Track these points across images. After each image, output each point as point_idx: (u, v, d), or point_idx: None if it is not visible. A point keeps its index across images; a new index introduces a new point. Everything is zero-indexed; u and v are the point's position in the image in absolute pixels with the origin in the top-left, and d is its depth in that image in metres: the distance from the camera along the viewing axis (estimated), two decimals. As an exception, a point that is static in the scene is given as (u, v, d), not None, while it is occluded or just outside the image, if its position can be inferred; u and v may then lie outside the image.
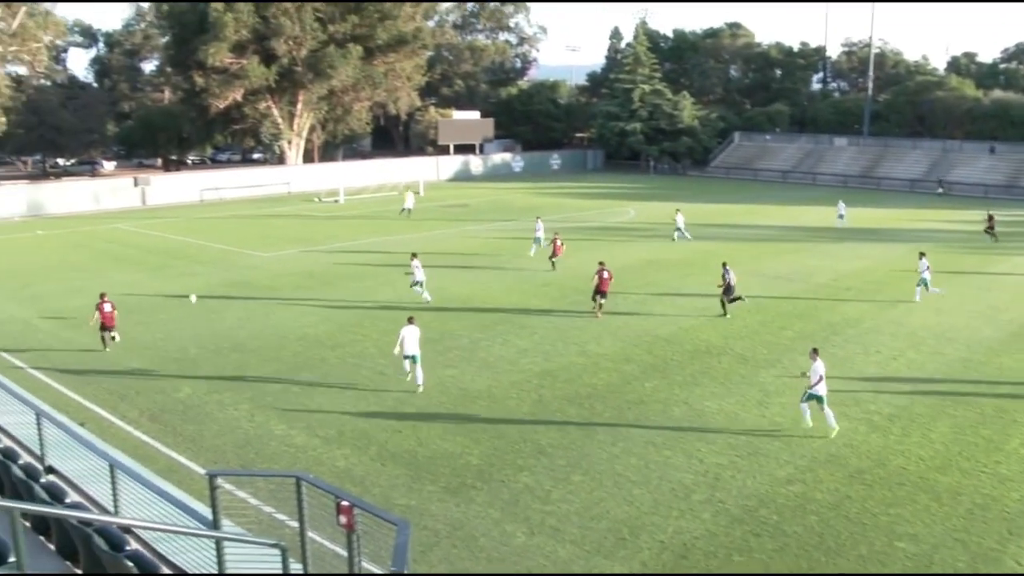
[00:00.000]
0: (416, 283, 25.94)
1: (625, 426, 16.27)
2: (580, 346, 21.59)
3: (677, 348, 21.38)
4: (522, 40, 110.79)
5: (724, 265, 25.01)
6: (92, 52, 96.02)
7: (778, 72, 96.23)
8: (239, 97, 64.25)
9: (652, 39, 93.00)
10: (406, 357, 18.28)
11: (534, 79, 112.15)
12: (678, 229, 38.77)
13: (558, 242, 31.91)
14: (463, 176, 77.84)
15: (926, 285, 25.94)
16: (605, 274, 24.63)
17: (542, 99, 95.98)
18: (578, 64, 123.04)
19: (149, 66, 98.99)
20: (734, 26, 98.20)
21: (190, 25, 63.70)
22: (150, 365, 19.98)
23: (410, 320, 18.58)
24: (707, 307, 25.70)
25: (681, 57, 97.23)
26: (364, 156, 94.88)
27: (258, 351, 21.03)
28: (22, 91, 72.24)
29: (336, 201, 57.03)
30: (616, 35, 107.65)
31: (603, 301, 24.53)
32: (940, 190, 63.95)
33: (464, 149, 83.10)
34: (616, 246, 37.05)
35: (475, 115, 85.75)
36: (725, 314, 24.23)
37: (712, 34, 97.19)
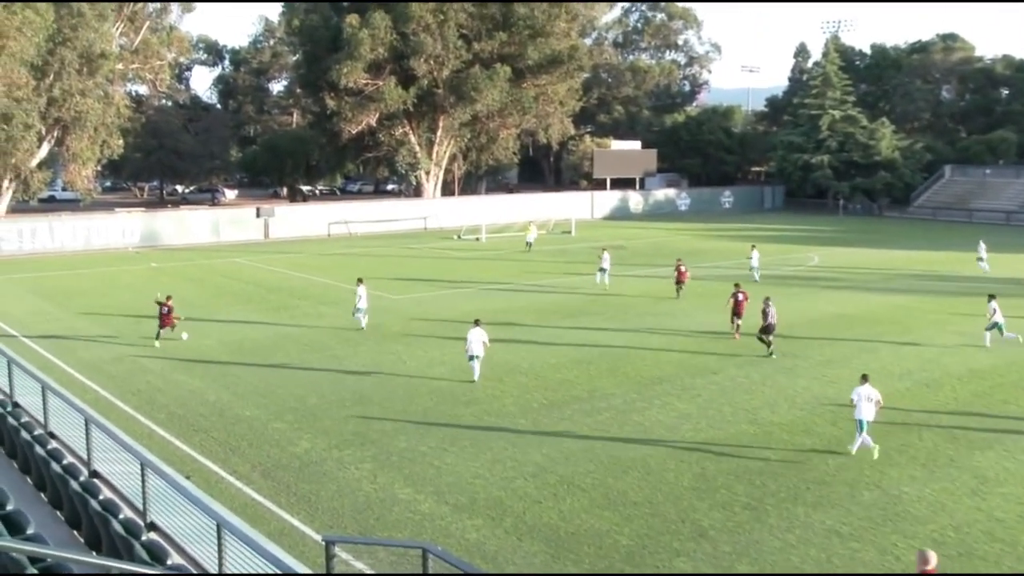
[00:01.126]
0: (358, 310, 29.18)
1: (803, 509, 15.56)
2: (750, 413, 20.94)
3: (872, 422, 20.31)
4: (692, 60, 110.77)
5: (767, 299, 27.10)
6: (217, 71, 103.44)
7: (1004, 92, 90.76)
8: (373, 122, 67.58)
9: (845, 56, 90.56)
10: (471, 357, 22.96)
11: (704, 104, 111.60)
12: (752, 268, 40.52)
13: (682, 268, 35.95)
14: (620, 214, 78.11)
15: (1000, 329, 27.58)
16: (740, 296, 28.68)
17: (713, 127, 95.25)
18: (756, 87, 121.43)
19: (277, 87, 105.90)
20: (948, 38, 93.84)
21: (322, 42, 67.62)
22: (265, 415, 20.90)
23: (476, 322, 23.58)
24: (907, 371, 24.35)
25: (880, 77, 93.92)
26: (510, 189, 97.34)
27: (384, 404, 21.71)
28: (142, 112, 77.72)
29: (477, 239, 58.58)
30: (802, 52, 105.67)
31: (740, 323, 28.50)
32: None
33: (622, 184, 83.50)
34: (795, 298, 35.92)
35: (636, 145, 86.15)
36: (770, 353, 26.07)
37: (919, 48, 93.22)
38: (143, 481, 10.94)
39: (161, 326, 27.51)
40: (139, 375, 24.30)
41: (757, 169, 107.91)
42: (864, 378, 18.78)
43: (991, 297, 28.38)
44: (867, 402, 18.26)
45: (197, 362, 25.59)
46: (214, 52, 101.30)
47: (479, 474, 17.26)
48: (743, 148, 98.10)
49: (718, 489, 16.53)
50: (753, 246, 42.10)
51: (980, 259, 44.20)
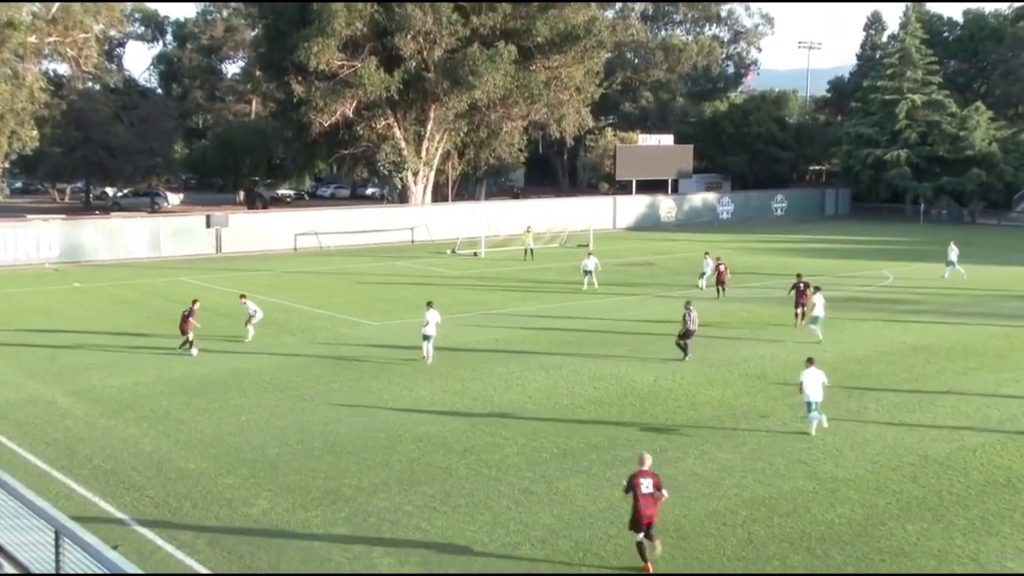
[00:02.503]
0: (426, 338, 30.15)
1: (878, 588, 15.46)
2: (809, 465, 20.85)
3: (959, 476, 20.20)
4: (737, 35, 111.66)
5: (688, 304, 30.94)
6: (157, 48, 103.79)
7: None
8: (350, 112, 67.96)
9: (930, 27, 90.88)
10: (425, 337, 28.94)
11: (752, 90, 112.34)
12: (703, 274, 44.94)
13: (721, 267, 41.84)
14: (649, 223, 78.39)
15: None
16: (801, 286, 35.09)
17: (763, 117, 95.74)
18: (816, 67, 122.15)
19: (232, 68, 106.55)
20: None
21: (287, 14, 67.89)
22: (213, 468, 20.84)
23: (430, 304, 29.78)
24: (1009, 417, 24.25)
25: (975, 52, 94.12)
26: (515, 194, 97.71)
27: (361, 454, 21.68)
28: (62, 97, 77.43)
29: (476, 254, 58.83)
30: (875, 23, 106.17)
31: (803, 311, 34.25)
32: None
33: (651, 187, 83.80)
34: (864, 325, 35.91)
35: (668, 140, 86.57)
36: (684, 357, 29.68)
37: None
38: (57, 554, 10.82)
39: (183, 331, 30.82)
40: (55, 421, 24.26)
41: (817, 168, 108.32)
42: (809, 361, 23.49)
43: (816, 289, 34.25)
44: (815, 384, 22.58)
45: (129, 404, 25.58)
46: (153, 24, 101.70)
47: (476, 539, 17.18)
48: (799, 143, 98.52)
49: (769, 560, 16.42)
50: (706, 253, 46.98)
51: (950, 263, 48.13)
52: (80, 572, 10.51)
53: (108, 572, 9.93)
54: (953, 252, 48.42)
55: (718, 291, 41.97)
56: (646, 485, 15.99)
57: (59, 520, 10.88)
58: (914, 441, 22.45)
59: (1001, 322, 36.54)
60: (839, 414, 24.57)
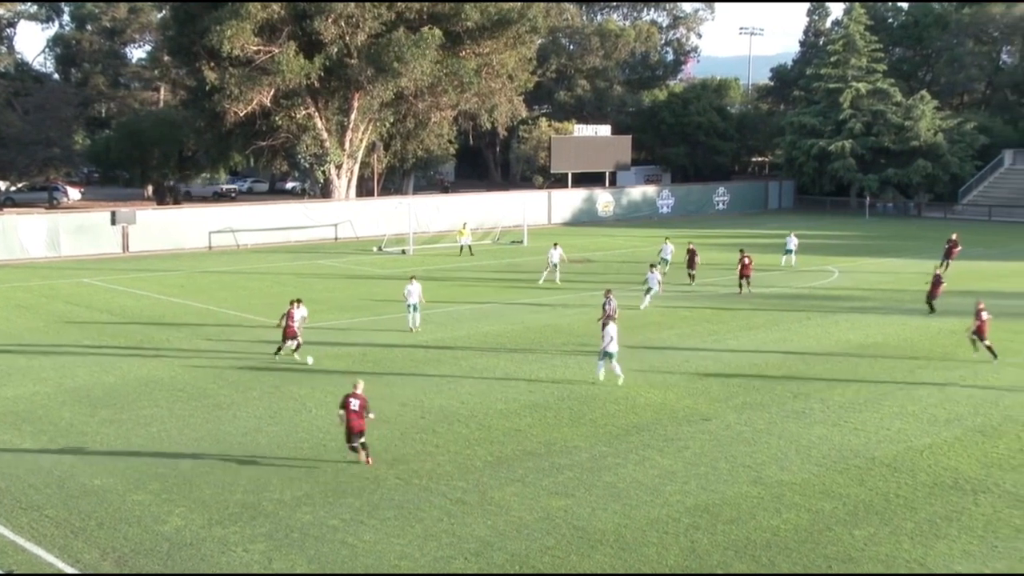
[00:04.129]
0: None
1: (825, 596, 15.76)
2: (753, 470, 21.15)
3: (906, 479, 20.65)
4: (676, 21, 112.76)
5: (608, 291, 33.20)
6: (52, 28, 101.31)
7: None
8: (267, 101, 67.30)
9: (875, 13, 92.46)
10: (410, 306, 33.85)
11: (692, 78, 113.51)
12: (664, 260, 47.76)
13: (747, 260, 42.44)
14: (586, 218, 78.86)
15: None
16: (747, 260, 41.38)
17: (704, 107, 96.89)
18: (759, 54, 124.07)
19: (138, 53, 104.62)
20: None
21: (198, -4, 66.87)
22: (121, 484, 20.50)
23: (412, 279, 34.87)
24: (956, 416, 24.84)
25: (920, 39, 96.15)
26: (445, 188, 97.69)
27: (282, 465, 21.50)
28: None
29: (403, 252, 58.67)
30: (818, 9, 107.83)
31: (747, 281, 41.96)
32: None
33: (588, 180, 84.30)
34: (808, 323, 36.51)
35: (605, 131, 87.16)
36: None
37: (973, 1, 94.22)
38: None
39: (286, 337, 30.05)
40: (-49, 434, 23.73)
41: (760, 160, 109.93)
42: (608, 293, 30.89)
43: (652, 267, 39.40)
44: (613, 340, 27.33)
45: (27, 417, 25.05)
46: (48, 3, 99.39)
47: (406, 554, 17.17)
48: (742, 133, 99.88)
49: (713, 569, 16.63)
50: (666, 239, 50.13)
51: (789, 250, 51.70)
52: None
53: None
54: (792, 242, 52.09)
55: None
56: (355, 404, 20.91)
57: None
58: (860, 443, 22.90)
59: (949, 319, 37.31)
60: (784, 415, 25.00)
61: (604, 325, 29.33)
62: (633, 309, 37.92)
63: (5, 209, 71.21)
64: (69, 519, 18.66)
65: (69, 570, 16.58)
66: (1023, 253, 58.67)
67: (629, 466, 21.36)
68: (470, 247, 58.04)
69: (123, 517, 18.78)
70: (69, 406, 25.86)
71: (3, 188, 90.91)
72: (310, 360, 29.98)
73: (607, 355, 27.58)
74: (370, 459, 21.29)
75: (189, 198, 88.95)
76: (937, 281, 38.33)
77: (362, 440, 21.22)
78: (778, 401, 26.33)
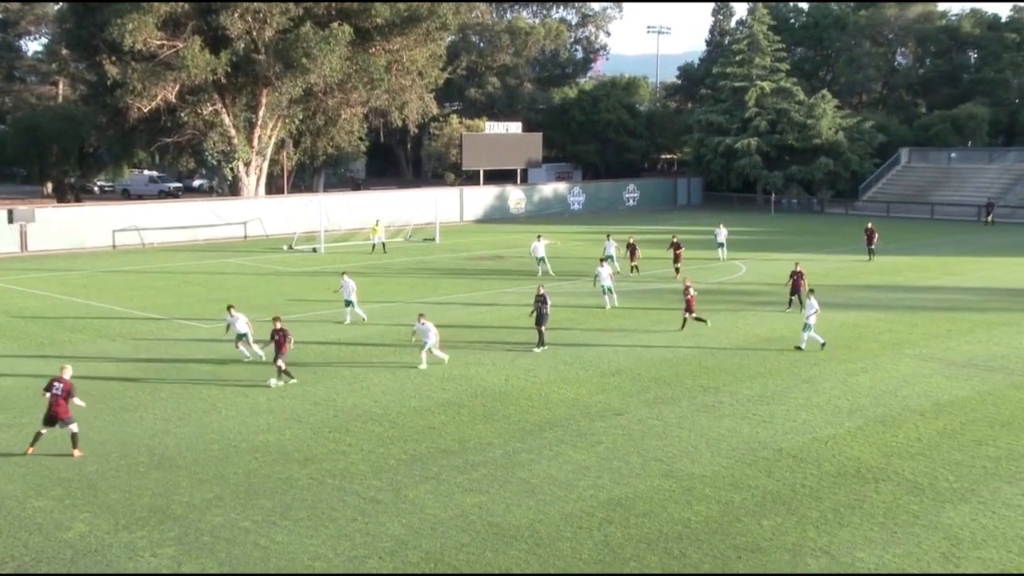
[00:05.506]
0: (241, 335, 30.13)
1: (735, 586, 16.01)
2: (665, 463, 21.42)
3: (812, 469, 21.09)
4: (585, 19, 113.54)
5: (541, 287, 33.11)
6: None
7: (973, 56, 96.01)
8: (172, 96, 66.07)
9: (777, 14, 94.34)
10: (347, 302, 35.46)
11: (602, 76, 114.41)
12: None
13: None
14: (497, 215, 79.01)
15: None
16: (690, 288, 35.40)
17: (613, 104, 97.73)
18: (666, 53, 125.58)
19: (34, 46, 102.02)
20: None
21: (97, -13, 65.36)
22: (22, 490, 20.05)
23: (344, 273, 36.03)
24: (857, 407, 25.45)
25: (820, 40, 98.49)
26: (356, 186, 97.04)
27: (192, 467, 21.19)
28: None
29: (314, 250, 58.15)
30: (723, 10, 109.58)
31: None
32: None
33: (500, 177, 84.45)
34: (717, 318, 37.03)
35: (516, 128, 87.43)
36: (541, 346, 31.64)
37: (869, 3, 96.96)
38: None
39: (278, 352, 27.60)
40: None
41: (668, 157, 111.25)
42: (421, 315, 29.72)
43: (601, 261, 40.81)
44: (432, 333, 28.90)
45: (-71, 420, 24.32)
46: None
47: (320, 554, 17.03)
48: (651, 131, 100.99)
49: (627, 562, 16.80)
50: (608, 235, 49.80)
51: (720, 245, 53.05)
52: None
53: None
54: (721, 234, 53.31)
55: (791, 300, 38.29)
56: (57, 388, 21.61)
57: None
58: (768, 435, 23.33)
59: (850, 312, 38.28)
60: (694, 409, 25.34)
61: (539, 323, 31.49)
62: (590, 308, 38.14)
63: None
64: (-30, 526, 18.16)
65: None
66: (921, 248, 60.33)
67: (543, 462, 21.47)
68: (383, 245, 57.86)
69: (23, 524, 18.31)
70: (-30, 411, 25.13)
71: None
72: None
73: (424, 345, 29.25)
74: (77, 451, 21.62)
75: (128, 196, 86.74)
76: (797, 276, 38.34)
77: (71, 429, 21.64)
78: (689, 395, 26.70)
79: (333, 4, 68.08)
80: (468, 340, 33.38)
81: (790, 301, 38.29)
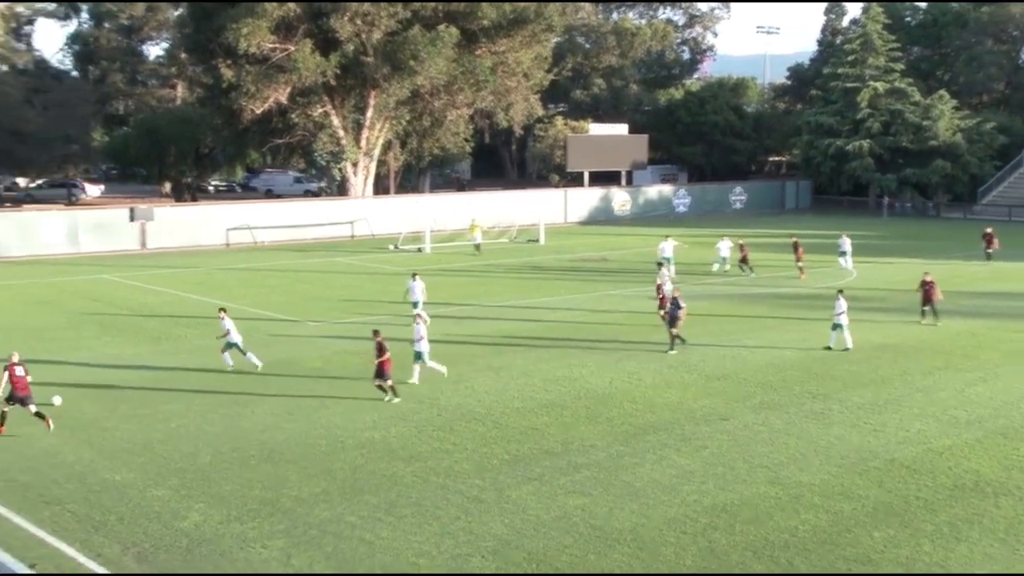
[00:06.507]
0: (231, 344, 29.21)
1: (844, 597, 15.72)
2: (771, 470, 21.11)
3: (926, 481, 20.55)
4: (693, 19, 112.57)
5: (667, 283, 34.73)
6: (71, 26, 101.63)
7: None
8: (284, 98, 67.36)
9: (892, 12, 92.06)
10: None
11: (709, 77, 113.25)
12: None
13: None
14: (601, 217, 78.81)
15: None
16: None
17: (720, 106, 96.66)
18: (776, 53, 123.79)
19: (155, 50, 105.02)
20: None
21: (215, -7, 67.04)
22: (141, 479, 20.62)
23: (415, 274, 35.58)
24: (977, 418, 24.73)
25: (938, 38, 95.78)
26: (461, 187, 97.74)
27: (300, 462, 21.58)
28: None
29: (419, 250, 58.76)
30: (835, 8, 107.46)
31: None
32: None
33: (604, 179, 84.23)
34: (829, 323, 36.33)
35: (622, 130, 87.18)
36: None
37: (992, 0, 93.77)
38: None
39: (13, 400, 24.41)
40: (-31, 431, 23.86)
41: (776, 159, 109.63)
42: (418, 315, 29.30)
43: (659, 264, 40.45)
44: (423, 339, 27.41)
45: (49, 411, 25.16)
46: (66, 1, 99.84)
47: (424, 551, 17.20)
48: (759, 132, 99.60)
49: (731, 569, 16.61)
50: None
51: (843, 252, 50.05)
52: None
53: None
54: (845, 244, 50.39)
55: (923, 311, 37.06)
56: (20, 370, 23.37)
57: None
58: (880, 444, 22.82)
59: (969, 320, 37.20)
60: (802, 416, 24.93)
61: (672, 324, 30.91)
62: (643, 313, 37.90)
63: (25, 206, 71.55)
64: (90, 514, 18.76)
65: (91, 564, 16.68)
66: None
67: (647, 465, 21.35)
68: (477, 246, 58.23)
69: (143, 512, 18.88)
70: (90, 401, 26.01)
71: (23, 184, 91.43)
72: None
73: (417, 356, 27.68)
74: (50, 421, 23.51)
75: (272, 196, 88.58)
76: (928, 286, 36.67)
77: (31, 409, 23.42)
78: (796, 401, 26.27)
79: (440, 6, 68.60)
80: (572, 341, 33.36)
81: (923, 312, 37.00)
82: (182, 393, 26.95)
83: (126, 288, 45.35)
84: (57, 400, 24.96)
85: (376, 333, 26.24)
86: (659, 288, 36.51)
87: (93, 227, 58.80)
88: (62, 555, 17.05)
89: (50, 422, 23.41)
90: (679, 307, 31.55)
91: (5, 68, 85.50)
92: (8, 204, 77.19)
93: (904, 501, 19.47)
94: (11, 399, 23.43)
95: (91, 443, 22.77)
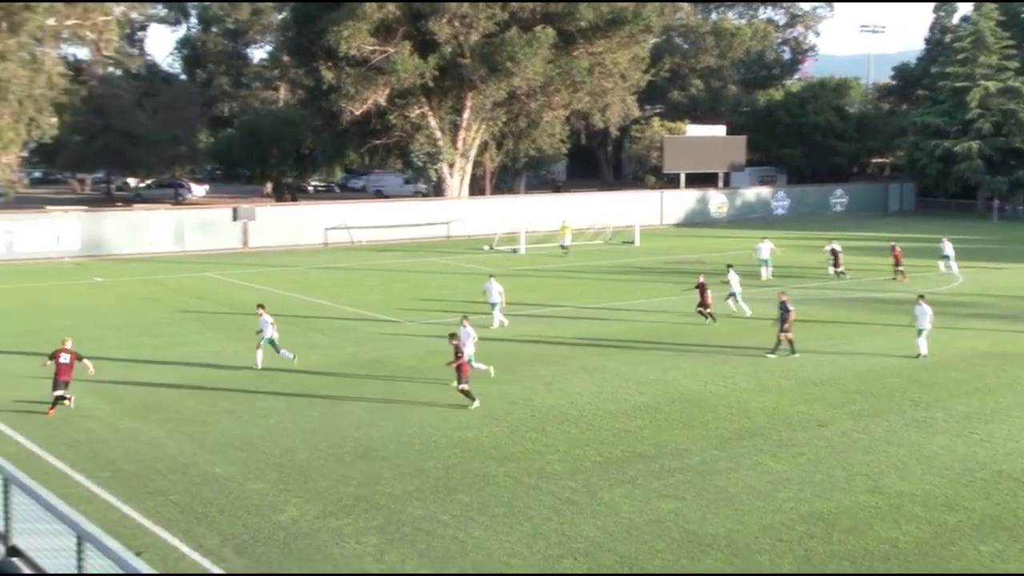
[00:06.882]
0: (270, 342, 29.45)
1: (945, 610, 15.36)
2: (871, 479, 20.70)
3: (1036, 493, 19.99)
4: (794, 19, 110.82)
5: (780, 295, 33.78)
6: (180, 31, 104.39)
7: None
8: (382, 100, 68.10)
9: (1007, 9, 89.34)
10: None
11: (810, 77, 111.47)
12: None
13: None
14: (698, 219, 78.09)
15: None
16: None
17: (822, 107, 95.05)
18: (881, 52, 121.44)
19: (259, 53, 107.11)
20: None
21: (317, -3, 68.19)
22: (241, 472, 21.08)
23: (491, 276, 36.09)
24: (1087, 430, 23.96)
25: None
26: (556, 188, 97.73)
27: (393, 460, 21.81)
28: (82, 82, 77.44)
29: (514, 251, 58.88)
30: (946, 6, 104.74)
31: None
32: None
33: (701, 180, 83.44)
34: (934, 329, 35.46)
35: (719, 131, 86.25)
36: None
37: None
38: (79, 560, 10.94)
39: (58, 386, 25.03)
40: (77, 422, 24.56)
41: (880, 161, 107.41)
42: (465, 317, 28.65)
43: (729, 267, 38.51)
44: (471, 340, 27.24)
45: (154, 405, 25.90)
46: (177, 7, 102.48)
47: (515, 551, 17.26)
48: (861, 134, 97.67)
49: (829, 578, 16.36)
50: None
51: (945, 256, 48.78)
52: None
53: None
54: (947, 248, 49.08)
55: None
56: (64, 358, 24.58)
57: (81, 525, 11.05)
58: (987, 455, 22.22)
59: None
60: (904, 424, 24.41)
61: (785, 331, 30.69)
62: (728, 319, 37.46)
63: (134, 205, 73.56)
64: (192, 505, 19.24)
65: (193, 554, 17.09)
66: None
67: (741, 471, 21.12)
68: (564, 247, 57.98)
69: (242, 505, 19.29)
70: (192, 396, 26.66)
71: (133, 184, 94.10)
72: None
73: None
74: (52, 411, 24.46)
75: (382, 196, 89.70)
76: None
77: (62, 393, 24.56)
78: (897, 409, 25.73)
79: (538, 7, 68.67)
80: (666, 344, 33.15)
81: None
82: (280, 390, 27.41)
83: (227, 286, 46.34)
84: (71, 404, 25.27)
85: (452, 337, 26.27)
86: (703, 287, 36.50)
87: (197, 226, 60.18)
88: (166, 544, 17.52)
89: (52, 412, 24.56)
90: (787, 310, 31.11)
91: (119, 72, 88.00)
92: (119, 204, 79.36)
93: (1013, 515, 18.93)
94: (55, 384, 24.67)
95: (193, 437, 23.33)
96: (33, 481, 12.60)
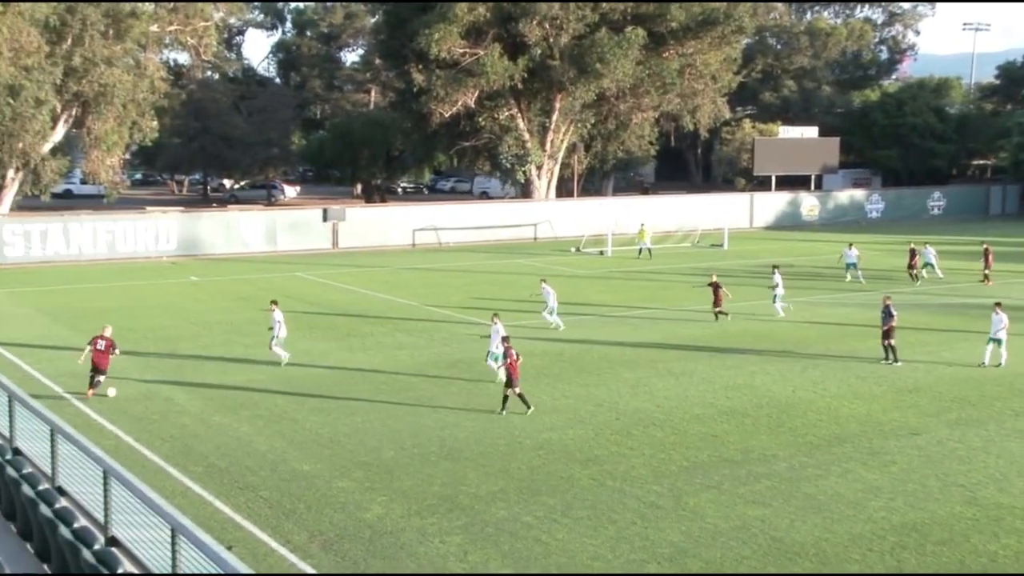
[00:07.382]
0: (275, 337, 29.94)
1: (1043, 626, 14.93)
2: (968, 489, 20.19)
3: None
4: (892, 17, 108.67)
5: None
6: (276, 35, 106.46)
7: None
8: (471, 102, 68.43)
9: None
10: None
11: (908, 77, 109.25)
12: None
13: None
14: (788, 222, 77.04)
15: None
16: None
17: (920, 107, 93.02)
18: (984, 51, 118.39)
19: (351, 57, 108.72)
20: None
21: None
22: (328, 470, 21.34)
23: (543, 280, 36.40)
24: None
25: None
26: (645, 190, 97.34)
27: (479, 460, 21.90)
28: (182, 86, 79.93)
29: (601, 253, 58.76)
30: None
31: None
32: None
33: (793, 183, 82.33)
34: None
35: (812, 132, 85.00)
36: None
37: None
38: (173, 552, 11.22)
39: (95, 371, 26.59)
40: (172, 417, 25.17)
41: (981, 163, 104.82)
42: (495, 315, 29.16)
43: (775, 268, 38.65)
44: (498, 337, 27.15)
45: (245, 402, 26.37)
46: (273, 12, 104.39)
47: (599, 555, 17.21)
48: (962, 135, 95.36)
49: (921, 590, 16.01)
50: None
51: (929, 264, 48.21)
52: (196, 572, 10.92)
53: (223, 573, 10.30)
54: (930, 254, 48.45)
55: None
56: (101, 344, 26.01)
57: (176, 518, 11.32)
58: (1087, 466, 21.55)
59: None
60: (1003, 434, 23.78)
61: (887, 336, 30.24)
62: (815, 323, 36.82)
63: (229, 206, 75.09)
64: (281, 501, 19.55)
65: (281, 549, 17.37)
66: None
67: (831, 478, 20.77)
68: (649, 251, 57.65)
69: (329, 502, 19.55)
70: (282, 394, 27.07)
71: (228, 185, 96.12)
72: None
73: (496, 356, 27.80)
74: (91, 392, 25.86)
75: (487, 198, 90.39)
76: None
77: (100, 379, 26.00)
78: (997, 418, 25.06)
79: (628, 8, 68.41)
80: (754, 348, 32.75)
81: None
82: (367, 389, 27.75)
83: (318, 286, 47.00)
84: (112, 392, 26.49)
85: (505, 340, 26.35)
86: (716, 287, 36.81)
87: (289, 227, 61.17)
88: (255, 539, 17.85)
89: (90, 393, 26.02)
90: (891, 315, 30.61)
91: (217, 76, 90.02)
92: (215, 204, 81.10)
93: (1113, 528, 18.34)
94: (93, 369, 26.06)
95: (282, 434, 23.71)
96: (131, 474, 12.93)
